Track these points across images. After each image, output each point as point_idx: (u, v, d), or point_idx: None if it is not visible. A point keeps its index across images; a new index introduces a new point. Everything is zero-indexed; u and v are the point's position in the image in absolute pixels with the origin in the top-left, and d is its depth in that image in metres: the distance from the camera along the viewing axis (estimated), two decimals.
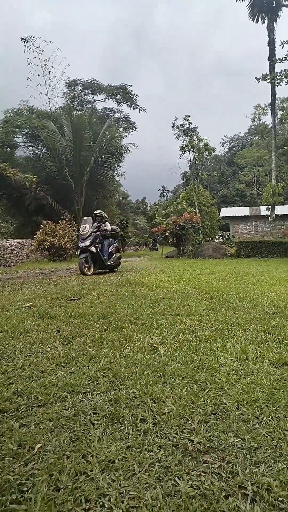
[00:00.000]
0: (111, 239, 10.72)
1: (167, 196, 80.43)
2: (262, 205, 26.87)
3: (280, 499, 1.17)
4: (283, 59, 18.13)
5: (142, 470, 1.32)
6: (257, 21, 24.62)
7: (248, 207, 36.24)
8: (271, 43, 23.38)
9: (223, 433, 1.55)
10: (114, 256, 10.51)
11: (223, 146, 72.45)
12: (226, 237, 27.32)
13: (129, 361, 2.44)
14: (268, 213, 23.62)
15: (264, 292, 5.72)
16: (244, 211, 33.98)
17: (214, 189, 59.91)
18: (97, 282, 7.40)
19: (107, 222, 10.73)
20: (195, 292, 5.86)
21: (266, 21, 24.10)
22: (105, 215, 10.92)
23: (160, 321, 3.65)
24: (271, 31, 23.66)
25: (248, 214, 32.36)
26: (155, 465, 1.35)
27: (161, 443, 1.48)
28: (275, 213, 23.19)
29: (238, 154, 56.80)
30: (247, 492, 1.21)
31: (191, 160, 31.19)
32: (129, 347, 2.77)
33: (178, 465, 1.35)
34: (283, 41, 17.47)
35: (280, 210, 27.34)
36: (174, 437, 1.53)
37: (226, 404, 1.81)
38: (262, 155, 44.85)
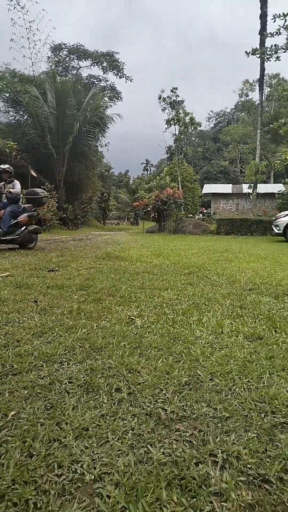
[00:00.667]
0: (24, 205, 8.46)
1: (150, 170, 79.54)
2: (245, 183, 26.97)
3: (248, 466, 1.21)
4: (274, 33, 17.71)
5: (115, 437, 1.33)
6: None
7: (231, 185, 36.30)
8: (263, 16, 22.75)
9: (196, 403, 1.59)
10: (24, 229, 8.00)
11: (209, 121, 71.61)
12: (207, 213, 27.43)
13: (106, 332, 2.45)
14: (250, 191, 23.74)
15: (241, 268, 5.81)
16: (226, 188, 34.02)
17: (198, 165, 59.53)
18: (77, 255, 7.33)
19: (15, 182, 8.37)
20: (174, 267, 5.89)
21: None
22: (11, 170, 8.45)
23: (138, 295, 3.66)
24: (263, 3, 22.97)
25: (230, 191, 32.42)
26: (128, 433, 1.37)
27: (135, 412, 1.50)
28: (257, 191, 23.33)
29: (224, 130, 56.29)
30: (217, 460, 1.24)
31: (176, 134, 30.71)
32: (106, 319, 2.77)
33: (151, 433, 1.37)
34: (276, 14, 17.00)
35: (262, 188, 27.52)
36: (148, 406, 1.55)
37: (200, 375, 1.84)
38: (248, 132, 44.60)
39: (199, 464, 1.22)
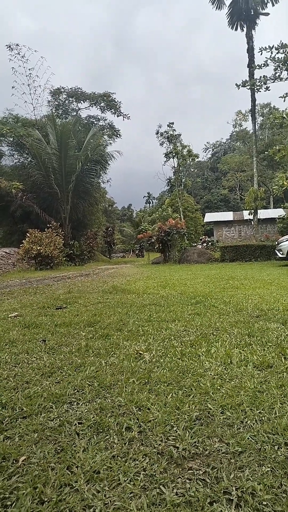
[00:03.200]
0: None
1: (152, 202, 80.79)
2: (245, 210, 27.23)
3: (264, 502, 1.19)
4: (262, 65, 18.51)
5: (127, 479, 1.32)
6: (236, 29, 25.14)
7: (232, 212, 36.71)
8: (250, 50, 23.87)
9: (208, 439, 1.56)
10: None
11: (206, 152, 73.39)
12: (209, 241, 27.56)
13: (115, 369, 2.44)
14: (251, 217, 23.95)
15: (248, 295, 5.79)
16: (228, 216, 34.38)
17: (198, 194, 60.48)
18: (84, 290, 7.36)
19: None
20: (181, 297, 5.88)
21: (245, 29, 24.61)
22: None
23: (146, 328, 3.66)
24: (249, 38, 24.16)
25: (231, 218, 32.74)
26: (140, 474, 1.35)
27: (146, 451, 1.48)
28: (258, 217, 23.53)
29: (221, 159, 57.60)
30: (231, 498, 1.22)
31: (175, 166, 31.48)
32: (115, 355, 2.77)
33: (163, 473, 1.35)
34: (262, 47, 17.85)
35: (263, 214, 27.79)
36: (159, 444, 1.53)
37: (211, 409, 1.82)
38: (244, 160, 45.61)
39: (214, 503, 1.20)
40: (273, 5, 23.87)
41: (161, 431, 1.63)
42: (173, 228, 22.55)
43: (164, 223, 24.70)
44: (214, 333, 3.36)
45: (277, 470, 1.34)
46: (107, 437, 1.60)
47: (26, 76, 27.90)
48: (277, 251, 14.64)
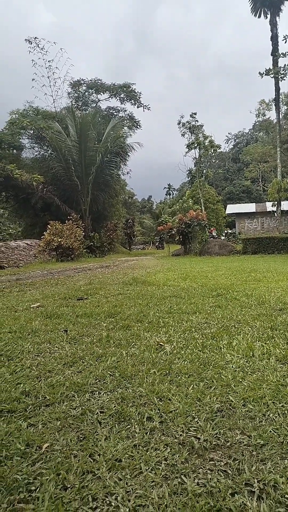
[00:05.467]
0: None
1: (173, 194, 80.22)
2: (268, 201, 26.69)
3: (286, 496, 1.17)
4: (286, 53, 17.94)
5: (148, 468, 1.33)
6: (259, 16, 24.44)
7: (254, 204, 35.99)
8: (274, 38, 23.17)
9: (230, 431, 1.55)
10: None
11: (227, 143, 72.11)
12: (231, 233, 27.20)
13: (136, 359, 2.45)
14: (274, 209, 23.45)
15: (270, 288, 5.69)
16: (250, 207, 33.75)
17: (220, 186, 59.62)
18: (104, 282, 7.42)
19: None
20: (202, 289, 5.84)
21: (268, 16, 23.90)
22: None
23: (166, 319, 3.65)
24: (273, 25, 23.45)
25: (254, 210, 32.13)
26: (161, 463, 1.36)
27: (167, 441, 1.49)
28: (281, 208, 23.01)
29: (244, 150, 56.49)
30: (253, 489, 1.21)
31: (197, 157, 31.10)
32: (135, 346, 2.78)
33: (185, 463, 1.35)
34: (286, 35, 17.29)
35: (286, 205, 27.14)
36: (181, 435, 1.53)
37: (232, 401, 1.80)
38: (267, 151, 44.55)
39: (235, 494, 1.19)
40: None
41: (182, 421, 1.63)
42: (194, 220, 22.35)
43: (184, 214, 24.53)
44: (236, 326, 3.33)
45: None
46: (129, 426, 1.61)
47: (46, 68, 27.94)
48: None
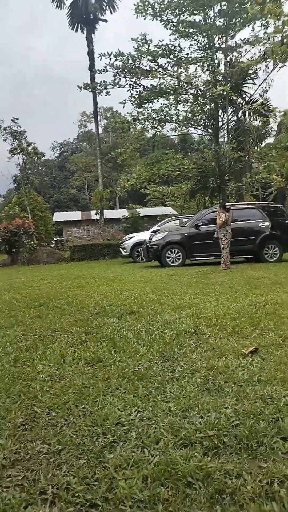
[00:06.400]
0: None
1: None
2: (93, 210, 28.00)
3: (77, 494, 1.25)
4: (102, 70, 19.24)
5: None
6: (76, 30, 25.42)
7: (80, 212, 37.16)
8: (91, 54, 24.51)
9: (31, 442, 1.57)
10: None
11: (53, 150, 72.09)
12: (60, 241, 27.38)
13: None
14: (98, 217, 24.78)
15: (91, 293, 5.99)
16: (76, 215, 34.66)
17: (48, 193, 59.08)
18: None
19: None
20: (25, 300, 5.67)
21: (85, 32, 25.12)
22: None
23: None
24: (90, 42, 24.78)
25: (80, 218, 33.15)
26: None
27: None
28: (104, 217, 24.51)
29: (69, 159, 57.70)
30: (47, 497, 1.25)
31: (21, 164, 29.97)
32: None
33: None
34: (101, 53, 18.56)
35: (109, 214, 29.05)
36: None
37: (37, 412, 1.82)
38: (91, 161, 46.74)
39: (28, 506, 1.21)
40: (111, 12, 25.09)
41: None
42: (20, 228, 21.46)
43: (10, 222, 23.25)
44: (53, 334, 3.37)
45: (92, 461, 1.44)
46: None
47: None
48: (121, 249, 15.59)
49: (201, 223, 11.15)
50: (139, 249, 14.42)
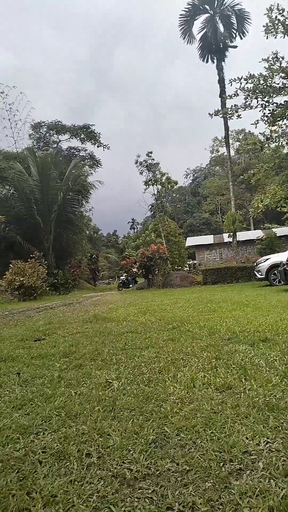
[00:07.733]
0: None
1: (137, 228, 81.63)
2: (225, 233, 27.85)
3: None
4: (233, 95, 19.47)
5: (81, 501, 1.43)
6: (207, 62, 26.49)
7: (212, 235, 37.40)
8: (221, 81, 25.13)
9: (161, 460, 1.69)
10: None
11: (186, 177, 75.19)
12: (192, 264, 27.97)
13: (83, 398, 2.54)
14: (231, 239, 24.50)
15: (223, 318, 5.96)
16: (208, 239, 35.02)
17: (182, 219, 61.46)
18: (64, 320, 7.42)
19: None
20: (159, 323, 6.01)
21: (215, 61, 25.96)
22: None
23: (119, 356, 3.77)
24: (220, 70, 25.47)
25: (212, 242, 33.35)
26: (93, 495, 1.46)
27: (102, 475, 1.60)
28: (237, 239, 24.09)
29: (202, 184, 59.15)
30: None
31: (155, 194, 32.19)
32: (85, 385, 2.87)
33: (115, 494, 1.47)
34: (231, 79, 18.86)
35: (242, 236, 28.45)
36: (115, 468, 1.65)
37: (167, 432, 1.95)
38: (223, 184, 46.93)
39: None
40: (241, 38, 25.44)
41: (118, 455, 1.75)
42: (155, 253, 22.85)
43: (146, 248, 25.04)
44: (184, 358, 3.50)
45: (218, 485, 1.48)
46: (67, 463, 1.71)
47: (7, 111, 28.61)
48: (256, 272, 15.01)
49: None
50: (276, 271, 13.66)
